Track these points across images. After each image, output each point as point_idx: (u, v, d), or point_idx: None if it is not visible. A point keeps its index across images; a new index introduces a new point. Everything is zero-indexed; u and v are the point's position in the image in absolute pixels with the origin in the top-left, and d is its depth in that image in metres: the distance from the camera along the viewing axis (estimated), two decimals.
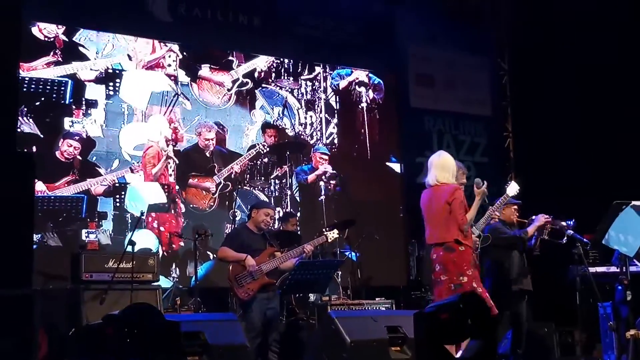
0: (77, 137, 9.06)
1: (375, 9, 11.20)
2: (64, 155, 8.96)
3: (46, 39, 9.05)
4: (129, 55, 9.54)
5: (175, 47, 9.88)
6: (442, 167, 6.64)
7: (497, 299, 6.58)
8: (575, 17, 10.53)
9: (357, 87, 11.18)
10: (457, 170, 6.79)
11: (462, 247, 6.46)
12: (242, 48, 10.37)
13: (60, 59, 9.08)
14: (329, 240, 7.66)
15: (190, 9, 9.99)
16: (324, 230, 7.85)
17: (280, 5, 10.50)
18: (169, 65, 9.80)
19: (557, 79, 10.94)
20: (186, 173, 9.71)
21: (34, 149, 8.71)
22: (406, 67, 11.58)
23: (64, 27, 9.16)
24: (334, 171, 10.63)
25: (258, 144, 10.20)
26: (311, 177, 10.49)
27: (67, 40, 9.16)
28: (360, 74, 11.24)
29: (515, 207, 7.94)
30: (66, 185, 8.95)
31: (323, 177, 10.54)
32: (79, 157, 9.03)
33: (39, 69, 8.93)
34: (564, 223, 7.81)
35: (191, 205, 9.67)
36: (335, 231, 7.70)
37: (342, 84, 11.09)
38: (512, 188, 7.42)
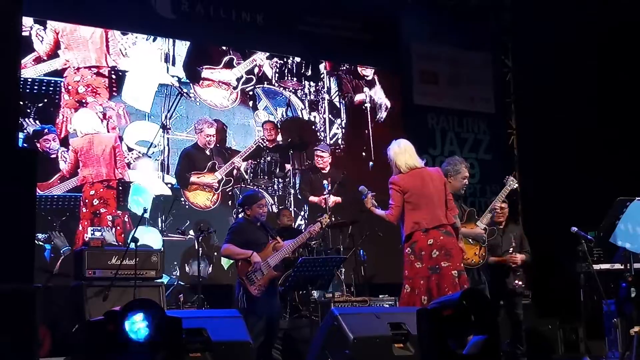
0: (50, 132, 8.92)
1: (379, 6, 11.16)
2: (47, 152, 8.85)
3: (38, 37, 8.98)
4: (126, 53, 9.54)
5: (179, 45, 9.87)
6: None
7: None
8: (579, 14, 10.48)
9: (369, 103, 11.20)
10: (460, 164, 6.85)
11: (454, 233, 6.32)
12: (245, 46, 10.36)
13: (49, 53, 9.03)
14: (323, 225, 7.53)
15: (194, 6, 9.98)
16: (317, 218, 7.75)
17: (283, 3, 10.48)
18: (171, 64, 9.81)
19: (561, 76, 10.90)
20: (186, 172, 9.68)
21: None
22: (410, 64, 11.57)
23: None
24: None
25: (257, 139, 10.19)
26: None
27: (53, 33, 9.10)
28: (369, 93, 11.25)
29: (503, 206, 7.86)
30: (59, 182, 8.87)
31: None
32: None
33: (28, 67, 8.84)
34: None
35: (193, 203, 9.65)
36: (326, 216, 7.55)
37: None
38: (512, 182, 7.41)
